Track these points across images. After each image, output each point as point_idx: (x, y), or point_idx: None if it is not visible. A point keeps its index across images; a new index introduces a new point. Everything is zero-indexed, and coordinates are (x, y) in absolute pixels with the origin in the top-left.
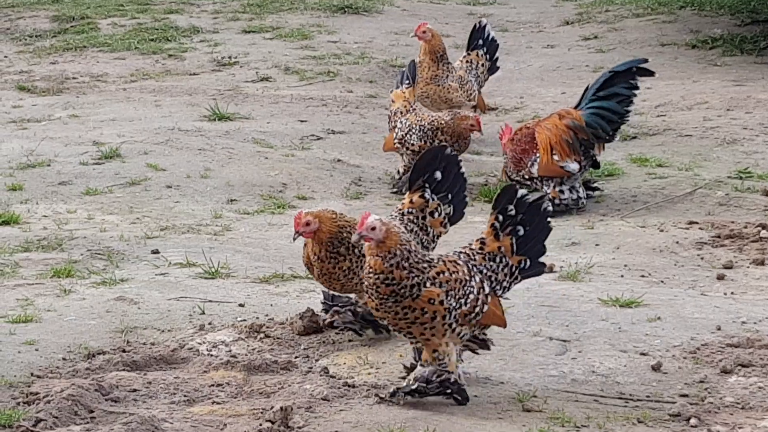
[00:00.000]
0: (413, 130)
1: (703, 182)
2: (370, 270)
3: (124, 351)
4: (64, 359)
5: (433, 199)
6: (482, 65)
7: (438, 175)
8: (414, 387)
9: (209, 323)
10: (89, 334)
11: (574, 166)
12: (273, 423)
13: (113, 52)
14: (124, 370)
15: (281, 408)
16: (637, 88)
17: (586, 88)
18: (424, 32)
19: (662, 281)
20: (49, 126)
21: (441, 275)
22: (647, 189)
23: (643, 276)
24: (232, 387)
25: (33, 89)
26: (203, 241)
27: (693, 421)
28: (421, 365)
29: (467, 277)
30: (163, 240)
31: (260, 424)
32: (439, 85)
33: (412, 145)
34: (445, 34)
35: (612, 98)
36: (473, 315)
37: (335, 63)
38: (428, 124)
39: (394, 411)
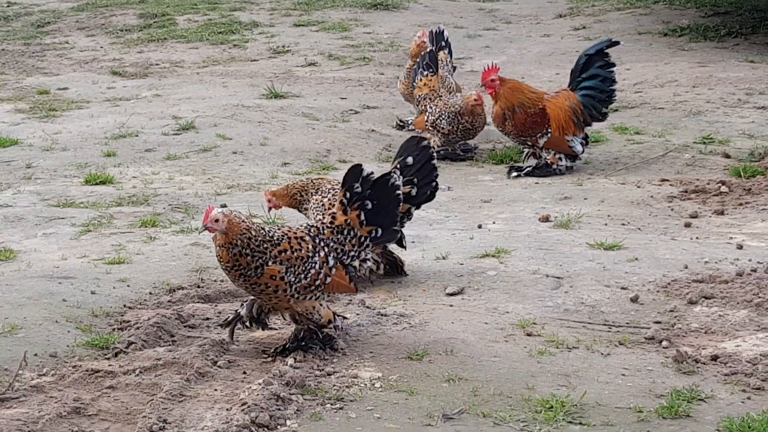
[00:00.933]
0: (443, 116)
1: (673, 147)
2: (220, 260)
3: (198, 286)
4: (150, 293)
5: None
6: (449, 63)
7: (410, 160)
8: (288, 346)
9: None
10: (170, 273)
11: (579, 148)
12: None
13: (188, 43)
14: (199, 302)
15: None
16: (613, 65)
17: (572, 71)
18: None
19: (639, 228)
20: (136, 104)
21: (283, 254)
22: (627, 152)
23: (623, 224)
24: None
25: (124, 74)
26: (262, 197)
27: (665, 343)
28: (297, 323)
29: (310, 254)
30: (230, 196)
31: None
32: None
33: (443, 128)
34: (460, 25)
35: (594, 79)
36: (314, 287)
37: (369, 50)
38: (452, 109)
39: (419, 335)
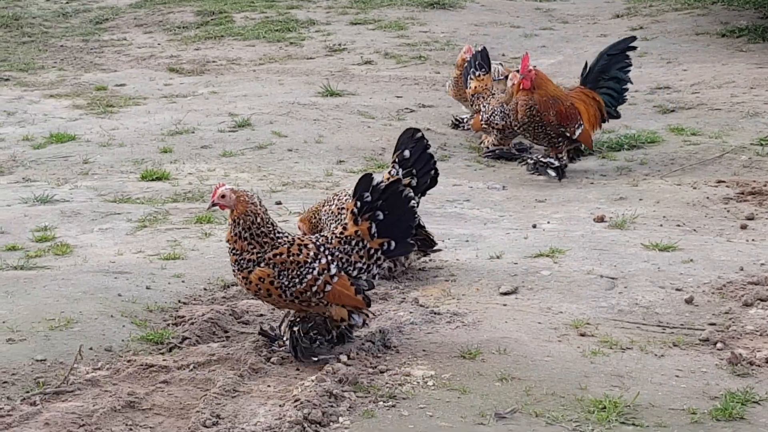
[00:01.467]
0: (496, 112)
1: (730, 148)
2: (227, 241)
3: None
4: (205, 289)
5: (396, 175)
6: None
7: (407, 153)
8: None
9: None
10: (225, 269)
11: (593, 139)
12: (373, 343)
13: (245, 40)
14: (253, 298)
15: (380, 330)
16: (630, 65)
17: (587, 68)
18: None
19: (695, 230)
20: (193, 100)
21: (277, 257)
22: (683, 153)
23: (678, 225)
24: None
25: (181, 70)
26: (317, 194)
27: (719, 345)
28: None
29: (309, 260)
30: (285, 193)
31: (362, 343)
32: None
33: (497, 124)
34: (516, 25)
35: (614, 80)
36: (311, 293)
37: (425, 49)
38: (504, 105)
39: (472, 334)
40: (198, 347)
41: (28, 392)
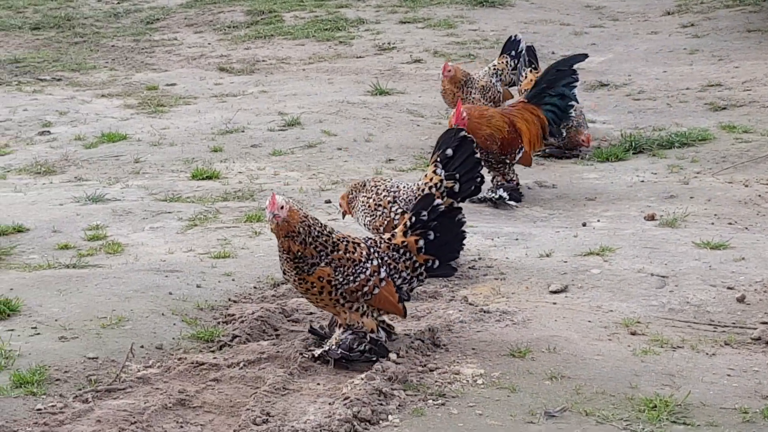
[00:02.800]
0: None
1: None
2: (281, 249)
3: None
4: (255, 287)
5: (440, 175)
6: (509, 69)
7: (449, 151)
8: (339, 354)
9: None
10: (275, 267)
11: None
12: (422, 341)
13: (295, 40)
14: (301, 297)
15: (429, 328)
16: (577, 82)
17: (535, 83)
18: (448, 71)
19: (746, 228)
20: (243, 100)
21: (335, 253)
22: (734, 151)
23: (730, 223)
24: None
25: (231, 70)
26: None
27: None
28: (341, 328)
29: (363, 259)
30: (334, 192)
31: (412, 342)
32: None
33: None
34: (566, 23)
35: (559, 96)
36: (361, 293)
37: (475, 47)
38: None
39: (521, 332)
40: (248, 345)
41: (80, 390)
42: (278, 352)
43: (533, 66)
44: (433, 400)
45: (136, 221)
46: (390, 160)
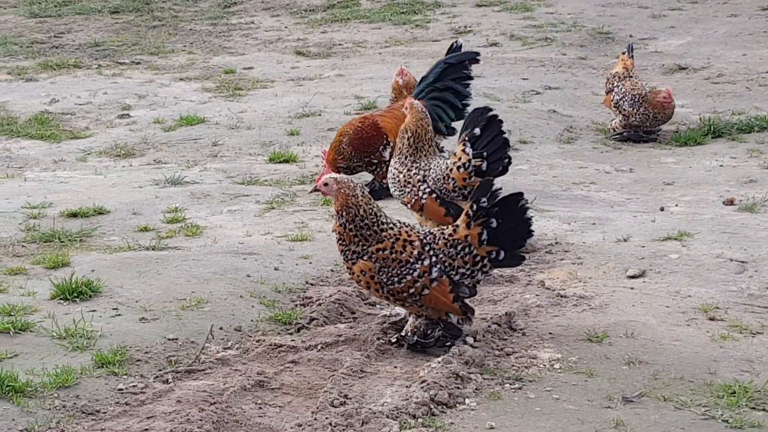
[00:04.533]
0: (626, 97)
1: None
2: (333, 230)
3: None
4: (332, 270)
5: (468, 154)
6: None
7: (477, 131)
8: (414, 341)
9: None
10: None
11: None
12: (499, 325)
13: (371, 23)
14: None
15: (506, 313)
16: (471, 78)
17: (423, 78)
18: (404, 75)
19: None
20: (319, 83)
21: (380, 252)
22: None
23: None
24: None
25: (307, 53)
26: None
27: None
28: (413, 315)
29: (411, 259)
30: None
31: (489, 326)
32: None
33: (624, 110)
34: (644, 5)
35: (447, 91)
36: (407, 294)
37: (552, 31)
38: (637, 94)
39: (598, 317)
40: (326, 328)
41: (160, 370)
42: (355, 335)
43: (629, 53)
44: (510, 384)
45: (215, 204)
46: None
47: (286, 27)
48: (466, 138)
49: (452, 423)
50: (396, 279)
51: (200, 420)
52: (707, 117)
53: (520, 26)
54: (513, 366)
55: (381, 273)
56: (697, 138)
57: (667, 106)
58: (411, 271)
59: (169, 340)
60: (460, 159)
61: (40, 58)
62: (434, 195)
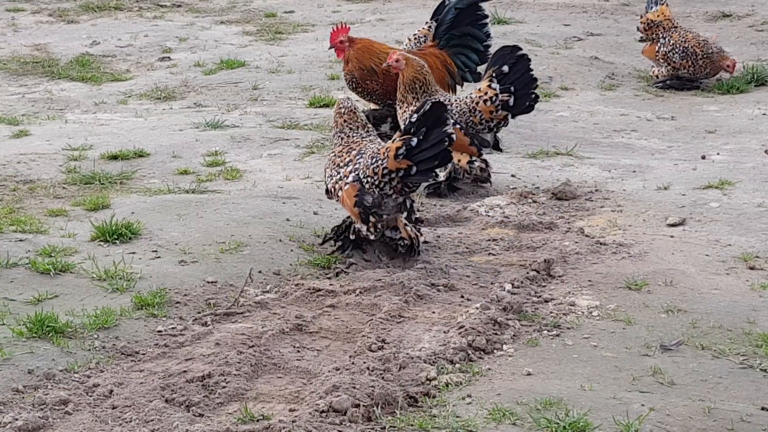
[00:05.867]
0: (676, 49)
1: None
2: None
3: (418, 210)
4: None
5: (495, 89)
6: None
7: (506, 68)
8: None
9: (486, 189)
10: None
11: None
12: (538, 272)
13: None
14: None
15: (545, 260)
16: (486, 17)
17: (439, 24)
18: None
19: None
20: (360, 27)
21: (331, 155)
22: None
23: None
24: (504, 242)
25: None
26: None
27: None
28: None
29: (341, 162)
30: None
31: (527, 272)
32: None
33: (674, 62)
34: None
35: (467, 36)
36: (332, 192)
37: None
38: (692, 47)
39: (638, 265)
40: (364, 273)
41: (199, 313)
42: (393, 280)
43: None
44: (548, 330)
45: (254, 148)
46: None
47: None
48: (493, 74)
49: (489, 369)
50: (327, 179)
51: (238, 362)
52: (750, 65)
53: None
54: (551, 313)
55: (324, 170)
56: (739, 86)
57: (730, 71)
58: (335, 173)
59: (208, 282)
60: (486, 93)
61: (81, 0)
62: (458, 125)
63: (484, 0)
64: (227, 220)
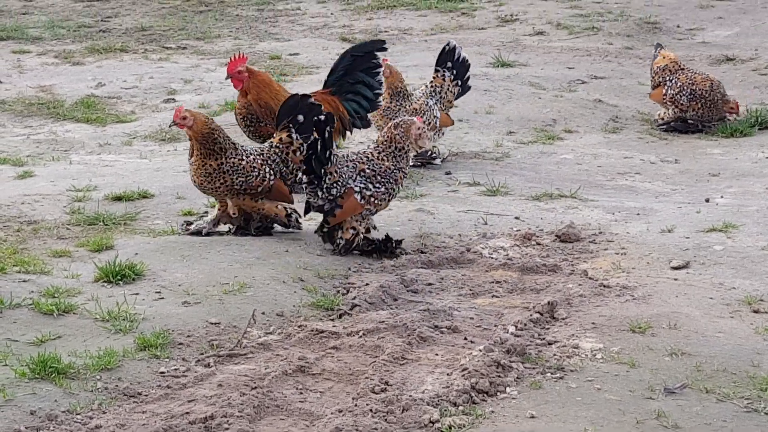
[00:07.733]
0: (684, 91)
1: None
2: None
3: (421, 252)
4: (374, 257)
5: (297, 139)
6: (449, 88)
7: (300, 118)
8: None
9: (490, 232)
10: (395, 238)
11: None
12: (541, 314)
13: (417, 10)
14: (421, 267)
15: (548, 302)
16: (379, 67)
17: (331, 70)
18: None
19: None
20: None
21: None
22: None
23: None
24: (508, 284)
25: (352, 40)
26: (486, 165)
27: None
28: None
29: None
30: (454, 164)
31: (531, 315)
32: (388, 118)
33: (681, 104)
34: None
35: (360, 84)
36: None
37: (598, 20)
38: (695, 87)
39: (641, 308)
40: (367, 314)
41: (202, 354)
42: (397, 322)
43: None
44: (552, 373)
45: None
46: (511, 132)
47: (332, 13)
48: (291, 125)
49: (493, 411)
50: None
51: (241, 404)
52: (754, 108)
53: (567, 15)
54: (554, 355)
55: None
56: (743, 129)
57: (734, 113)
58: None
59: (212, 324)
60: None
61: (86, 42)
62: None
63: (381, 50)
64: (231, 261)
